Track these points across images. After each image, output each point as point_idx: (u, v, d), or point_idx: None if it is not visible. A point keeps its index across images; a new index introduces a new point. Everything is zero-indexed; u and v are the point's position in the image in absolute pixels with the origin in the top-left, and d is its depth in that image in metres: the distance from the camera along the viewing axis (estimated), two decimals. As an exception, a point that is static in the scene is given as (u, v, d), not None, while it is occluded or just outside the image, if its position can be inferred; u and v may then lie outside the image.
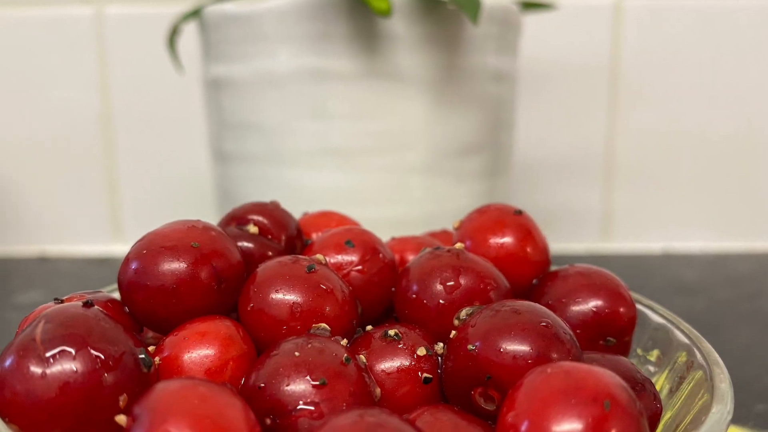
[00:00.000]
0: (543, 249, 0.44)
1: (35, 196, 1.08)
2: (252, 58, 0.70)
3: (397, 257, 0.45)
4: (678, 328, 0.41)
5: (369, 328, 0.39)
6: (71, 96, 1.05)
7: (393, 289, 0.42)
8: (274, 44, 0.69)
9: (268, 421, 0.31)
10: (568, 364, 0.30)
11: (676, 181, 1.05)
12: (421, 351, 0.36)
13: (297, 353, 0.32)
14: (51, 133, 1.06)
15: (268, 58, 0.69)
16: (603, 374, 0.29)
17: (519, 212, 0.45)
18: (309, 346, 0.33)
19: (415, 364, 0.36)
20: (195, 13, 0.77)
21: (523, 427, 0.28)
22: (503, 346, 0.33)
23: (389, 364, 0.36)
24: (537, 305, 0.35)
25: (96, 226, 1.08)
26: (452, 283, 0.39)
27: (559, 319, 0.34)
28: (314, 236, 0.47)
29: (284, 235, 0.45)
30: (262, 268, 0.38)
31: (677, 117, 1.03)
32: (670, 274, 0.94)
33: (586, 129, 1.04)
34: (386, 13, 0.62)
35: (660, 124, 1.03)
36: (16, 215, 1.08)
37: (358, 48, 0.67)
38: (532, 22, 0.91)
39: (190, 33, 0.86)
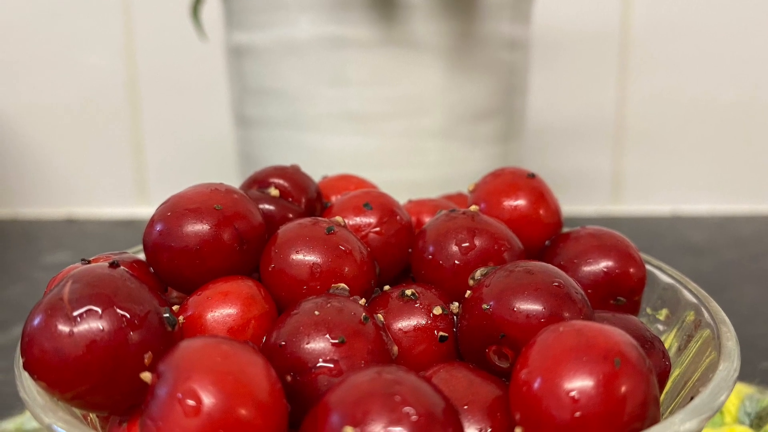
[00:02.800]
0: (555, 211, 0.45)
1: (63, 159, 1.09)
2: (273, 26, 0.71)
3: (413, 219, 0.46)
4: (686, 287, 0.42)
5: (386, 288, 0.40)
6: (98, 61, 1.06)
7: (410, 250, 0.42)
8: (295, 13, 0.70)
9: (289, 378, 0.31)
10: (579, 323, 0.30)
11: (685, 145, 1.05)
12: (437, 310, 0.37)
13: (317, 312, 0.33)
14: (78, 97, 1.07)
15: (288, 26, 0.70)
16: (613, 332, 0.29)
17: (532, 175, 0.45)
18: (328, 305, 0.33)
19: (431, 323, 0.36)
20: None
21: (536, 384, 0.28)
22: (517, 305, 0.33)
23: (406, 323, 0.37)
24: (549, 266, 0.36)
25: (122, 188, 1.10)
26: (467, 244, 0.39)
27: (571, 279, 0.35)
28: (333, 199, 0.48)
29: (304, 197, 0.45)
30: (283, 230, 0.39)
31: (686, 83, 1.03)
32: (679, 236, 0.95)
33: (596, 95, 1.04)
34: None
35: (669, 90, 1.04)
36: (45, 178, 1.10)
37: (376, 16, 0.67)
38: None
39: (213, 1, 0.86)
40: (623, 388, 0.28)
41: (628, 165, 1.06)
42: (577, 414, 0.27)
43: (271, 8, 0.70)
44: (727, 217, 1.04)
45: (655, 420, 0.29)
